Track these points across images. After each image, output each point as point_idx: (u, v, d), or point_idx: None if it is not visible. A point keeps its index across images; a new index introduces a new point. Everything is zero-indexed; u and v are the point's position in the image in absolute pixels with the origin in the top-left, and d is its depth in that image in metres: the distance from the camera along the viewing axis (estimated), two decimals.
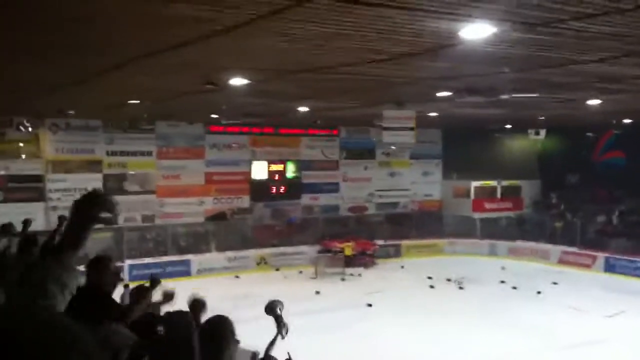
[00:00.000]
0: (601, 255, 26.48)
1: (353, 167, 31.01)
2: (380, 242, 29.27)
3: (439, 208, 32.82)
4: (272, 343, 4.85)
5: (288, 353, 4.71)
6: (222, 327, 3.87)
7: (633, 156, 27.77)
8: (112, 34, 7.85)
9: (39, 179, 24.00)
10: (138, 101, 16.83)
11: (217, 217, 27.75)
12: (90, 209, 3.31)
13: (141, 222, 26.14)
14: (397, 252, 29.80)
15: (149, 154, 26.20)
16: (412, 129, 15.98)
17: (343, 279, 25.01)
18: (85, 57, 9.41)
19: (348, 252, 27.00)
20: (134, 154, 25.83)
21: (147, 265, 24.11)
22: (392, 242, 29.95)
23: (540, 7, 6.22)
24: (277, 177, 29.13)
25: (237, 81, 11.97)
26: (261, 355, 4.97)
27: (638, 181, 28.18)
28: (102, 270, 4.26)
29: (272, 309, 4.93)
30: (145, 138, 26.04)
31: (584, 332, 17.33)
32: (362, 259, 27.51)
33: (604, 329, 17.70)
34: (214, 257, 26.27)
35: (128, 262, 23.84)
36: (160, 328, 3.54)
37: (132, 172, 25.92)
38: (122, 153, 25.57)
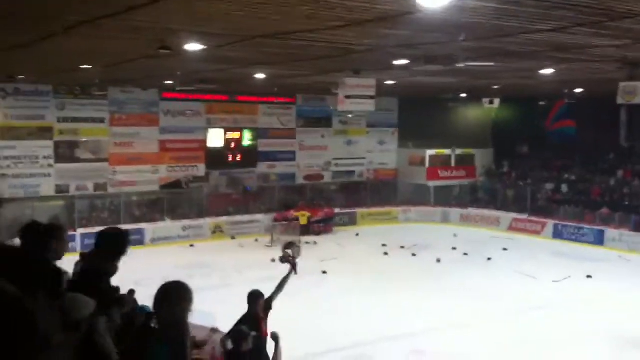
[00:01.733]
0: (550, 222, 27.22)
1: (310, 135, 30.92)
2: (336, 210, 29.46)
3: (394, 176, 33.11)
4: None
5: None
6: (176, 290, 3.83)
7: (584, 125, 28.41)
8: None
9: None
10: (90, 66, 16.35)
11: (172, 186, 27.44)
12: None
13: (93, 190, 25.64)
14: (352, 220, 30.06)
15: (102, 120, 25.60)
16: (372, 97, 15.89)
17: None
18: (34, 20, 9.06)
19: (304, 220, 27.09)
20: (86, 120, 25.19)
21: None
22: (347, 210, 30.19)
23: None
24: (233, 145, 28.87)
25: (193, 46, 11.72)
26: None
27: (588, 150, 28.96)
28: (61, 239, 4.17)
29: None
30: (98, 104, 25.40)
31: (533, 297, 17.86)
32: (320, 227, 27.65)
33: (552, 294, 18.27)
34: (168, 226, 26.02)
35: (80, 231, 23.44)
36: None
37: (85, 139, 25.31)
38: (74, 120, 24.91)
